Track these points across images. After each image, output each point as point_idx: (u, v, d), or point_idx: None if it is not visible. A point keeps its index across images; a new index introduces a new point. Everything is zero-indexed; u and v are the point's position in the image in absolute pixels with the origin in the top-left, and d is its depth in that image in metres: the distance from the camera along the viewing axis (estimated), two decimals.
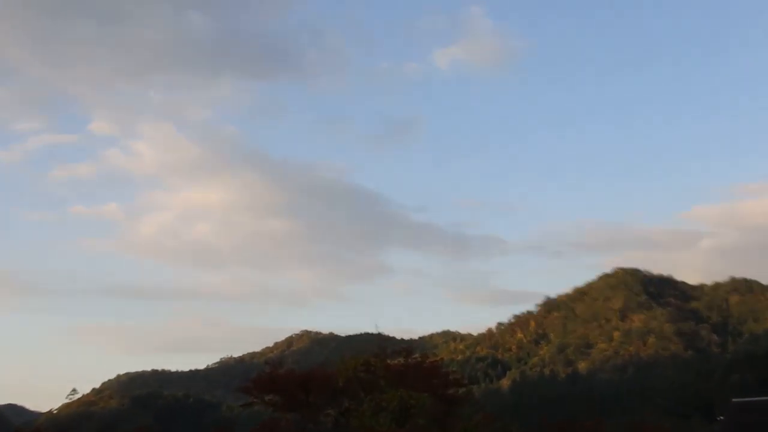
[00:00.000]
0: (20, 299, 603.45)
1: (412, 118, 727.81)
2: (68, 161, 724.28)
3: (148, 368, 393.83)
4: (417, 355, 62.13)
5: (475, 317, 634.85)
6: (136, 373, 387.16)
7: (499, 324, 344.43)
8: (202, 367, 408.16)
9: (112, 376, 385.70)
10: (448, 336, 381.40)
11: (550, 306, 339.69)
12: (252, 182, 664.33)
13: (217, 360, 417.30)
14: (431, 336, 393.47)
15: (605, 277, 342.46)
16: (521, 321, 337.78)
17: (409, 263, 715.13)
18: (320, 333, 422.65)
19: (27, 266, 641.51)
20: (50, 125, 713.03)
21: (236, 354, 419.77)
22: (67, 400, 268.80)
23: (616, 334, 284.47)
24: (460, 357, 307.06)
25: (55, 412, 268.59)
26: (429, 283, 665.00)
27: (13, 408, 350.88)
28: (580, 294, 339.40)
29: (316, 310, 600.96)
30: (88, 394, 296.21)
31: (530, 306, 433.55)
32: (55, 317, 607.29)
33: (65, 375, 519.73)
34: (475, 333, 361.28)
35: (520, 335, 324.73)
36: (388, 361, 56.67)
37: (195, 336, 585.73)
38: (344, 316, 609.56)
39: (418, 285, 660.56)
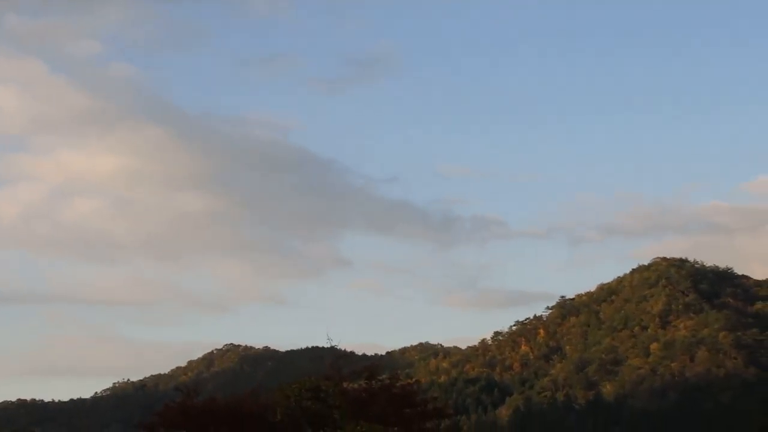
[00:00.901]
0: None
1: (381, 54, 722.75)
2: None
3: (13, 398, 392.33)
4: (385, 376, 62.54)
5: (465, 325, 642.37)
6: None
7: (497, 334, 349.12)
8: (88, 395, 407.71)
9: None
10: (428, 350, 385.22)
11: (567, 309, 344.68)
12: (158, 143, 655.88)
13: (109, 386, 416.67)
14: (404, 350, 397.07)
15: (641, 271, 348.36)
16: (527, 330, 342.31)
17: (375, 253, 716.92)
18: (252, 348, 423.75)
19: None
20: None
21: (136, 378, 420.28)
22: None
23: (654, 346, 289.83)
24: (443, 378, 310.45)
25: None
26: (401, 281, 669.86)
27: None
28: (607, 293, 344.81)
29: (245, 317, 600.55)
30: None
31: (539, 309, 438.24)
32: None
33: None
34: (463, 346, 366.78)
35: (525, 348, 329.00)
36: (345, 385, 56.93)
37: (78, 354, 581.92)
38: (284, 325, 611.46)
39: (386, 282, 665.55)
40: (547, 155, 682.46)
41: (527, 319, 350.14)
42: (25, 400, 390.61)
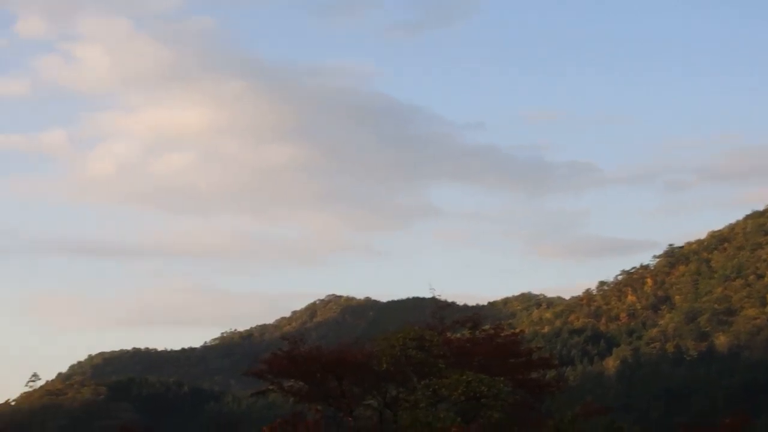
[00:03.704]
0: None
1: None
2: None
3: (128, 346, 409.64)
4: (487, 326, 62.69)
5: (562, 275, 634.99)
6: (114, 353, 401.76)
7: (602, 284, 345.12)
8: (197, 344, 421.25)
9: (82, 357, 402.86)
10: (530, 300, 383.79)
11: (675, 258, 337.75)
12: (241, 96, 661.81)
13: (217, 336, 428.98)
14: (506, 301, 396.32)
15: (755, 217, 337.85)
16: (633, 279, 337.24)
17: (464, 202, 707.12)
18: (353, 298, 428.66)
19: None
20: None
21: (242, 327, 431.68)
22: (28, 389, 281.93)
23: None
24: (547, 329, 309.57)
25: (12, 403, 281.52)
26: (493, 230, 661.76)
27: None
28: (719, 241, 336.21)
29: (339, 268, 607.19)
30: (53, 380, 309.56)
31: (646, 258, 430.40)
32: None
33: (21, 356, 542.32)
34: (567, 296, 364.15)
35: (631, 299, 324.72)
36: (449, 335, 57.31)
37: (184, 305, 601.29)
38: (379, 276, 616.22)
39: (477, 232, 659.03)
40: (639, 96, 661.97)
41: (633, 268, 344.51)
42: (140, 348, 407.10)
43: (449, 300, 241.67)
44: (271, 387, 61.01)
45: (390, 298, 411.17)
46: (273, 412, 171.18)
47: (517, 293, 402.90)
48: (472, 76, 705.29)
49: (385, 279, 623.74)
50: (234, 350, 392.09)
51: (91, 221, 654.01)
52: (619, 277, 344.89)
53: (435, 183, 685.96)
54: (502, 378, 52.06)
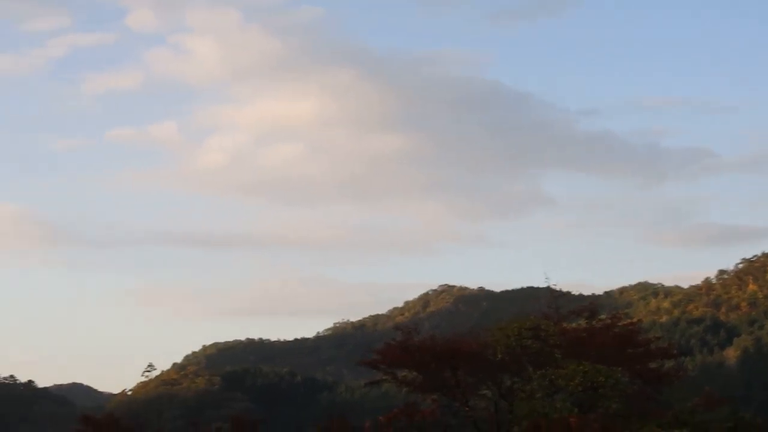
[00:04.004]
0: (59, 253, 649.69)
1: None
2: (102, 69, 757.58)
3: (242, 337, 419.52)
4: (604, 315, 61.74)
5: (684, 264, 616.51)
6: (227, 343, 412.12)
7: (721, 272, 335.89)
8: (310, 335, 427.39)
9: (197, 347, 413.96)
10: (647, 290, 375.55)
11: None
12: (350, 86, 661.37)
13: (330, 326, 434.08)
14: (622, 290, 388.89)
15: None
16: (754, 268, 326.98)
17: (578, 190, 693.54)
18: (466, 288, 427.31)
19: (62, 210, 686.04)
20: (75, 22, 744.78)
21: (354, 318, 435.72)
22: (143, 379, 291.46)
23: None
24: (665, 318, 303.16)
25: (129, 393, 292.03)
26: (607, 218, 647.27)
27: (77, 388, 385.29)
28: None
29: (450, 258, 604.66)
30: (168, 370, 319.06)
31: (762, 246, 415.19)
32: (110, 275, 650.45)
33: (137, 346, 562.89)
34: (685, 285, 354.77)
35: (752, 287, 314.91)
36: (565, 325, 56.70)
37: (296, 296, 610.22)
38: (491, 266, 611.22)
39: (591, 220, 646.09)
40: (757, 82, 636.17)
41: (755, 256, 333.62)
42: (253, 339, 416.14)
43: (564, 290, 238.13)
44: (384, 377, 61.47)
45: (503, 288, 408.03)
46: (386, 402, 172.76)
47: (633, 282, 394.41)
48: (584, 62, 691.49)
49: (498, 269, 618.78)
50: (346, 340, 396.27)
51: (203, 213, 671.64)
52: (740, 266, 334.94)
53: (547, 171, 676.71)
54: (619, 368, 51.34)
